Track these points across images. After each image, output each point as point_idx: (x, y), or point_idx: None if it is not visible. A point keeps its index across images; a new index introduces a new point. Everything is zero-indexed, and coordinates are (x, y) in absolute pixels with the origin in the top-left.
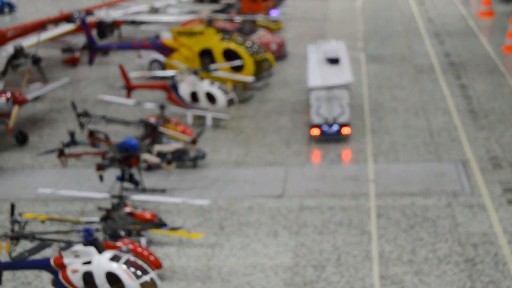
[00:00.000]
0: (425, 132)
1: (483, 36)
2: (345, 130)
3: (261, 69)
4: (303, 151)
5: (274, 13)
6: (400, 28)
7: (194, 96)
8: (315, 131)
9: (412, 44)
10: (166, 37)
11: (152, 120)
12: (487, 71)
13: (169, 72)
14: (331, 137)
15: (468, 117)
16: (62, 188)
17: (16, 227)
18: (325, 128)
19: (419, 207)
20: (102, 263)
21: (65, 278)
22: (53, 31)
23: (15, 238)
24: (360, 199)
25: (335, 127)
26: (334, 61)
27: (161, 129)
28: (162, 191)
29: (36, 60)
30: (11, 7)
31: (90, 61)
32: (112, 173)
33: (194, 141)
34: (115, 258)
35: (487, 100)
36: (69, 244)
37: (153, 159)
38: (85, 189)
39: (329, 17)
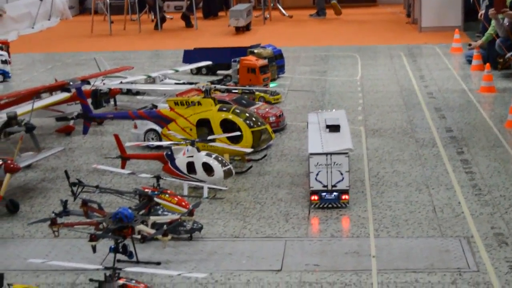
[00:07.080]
0: (428, 207)
1: (484, 111)
2: (344, 197)
3: (260, 141)
4: (302, 224)
5: (272, 85)
6: (400, 102)
7: (190, 167)
8: (314, 197)
9: (412, 118)
10: (163, 107)
11: (147, 190)
12: (490, 146)
13: (165, 143)
14: (330, 203)
15: (472, 193)
16: (53, 259)
17: None
18: (325, 194)
19: (423, 284)
20: None
21: None
22: (47, 99)
23: None
24: (362, 275)
25: (334, 194)
26: (334, 128)
27: (157, 200)
28: (157, 264)
29: (29, 128)
30: (6, 75)
31: (84, 130)
32: (106, 244)
33: (191, 213)
34: None
35: (491, 175)
36: None
37: (148, 230)
38: (77, 260)
39: (328, 90)
